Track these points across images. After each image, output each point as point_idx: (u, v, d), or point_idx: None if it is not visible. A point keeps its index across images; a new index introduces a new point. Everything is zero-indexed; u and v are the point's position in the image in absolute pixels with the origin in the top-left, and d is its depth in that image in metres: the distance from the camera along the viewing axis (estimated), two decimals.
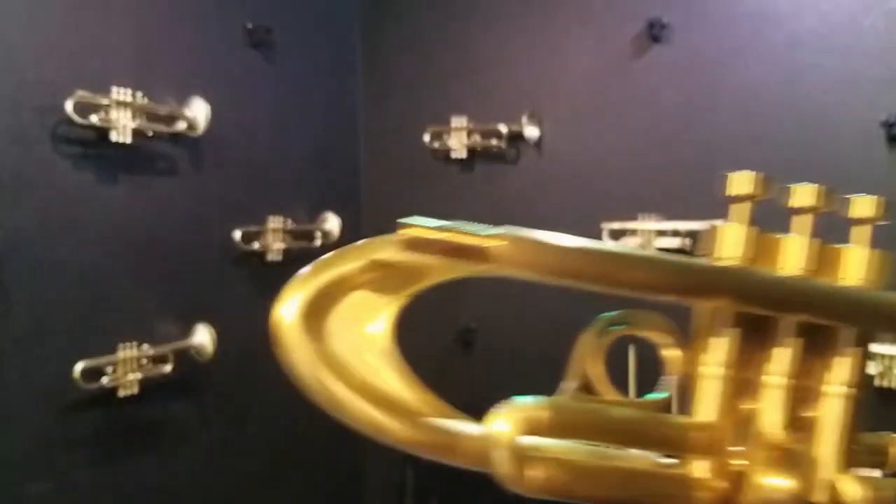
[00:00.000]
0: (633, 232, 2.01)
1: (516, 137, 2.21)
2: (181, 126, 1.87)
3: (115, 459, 1.80)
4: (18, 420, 1.60)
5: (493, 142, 2.23)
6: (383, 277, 0.43)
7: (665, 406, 0.47)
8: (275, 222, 2.14)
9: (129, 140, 1.75)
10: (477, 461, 0.40)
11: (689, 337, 0.46)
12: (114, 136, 1.73)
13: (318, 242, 2.24)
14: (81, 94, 1.65)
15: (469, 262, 0.39)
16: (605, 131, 2.13)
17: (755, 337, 0.45)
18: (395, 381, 0.43)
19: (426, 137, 2.31)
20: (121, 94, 1.73)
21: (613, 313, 0.47)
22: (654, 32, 2.02)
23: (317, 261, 0.42)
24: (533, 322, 2.13)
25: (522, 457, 0.39)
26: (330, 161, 2.40)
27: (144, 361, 1.78)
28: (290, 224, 2.18)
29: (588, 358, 0.46)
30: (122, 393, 1.74)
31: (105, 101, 1.70)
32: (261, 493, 2.16)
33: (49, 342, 1.64)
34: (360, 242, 0.43)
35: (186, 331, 1.90)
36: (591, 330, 0.47)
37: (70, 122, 1.64)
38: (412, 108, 2.40)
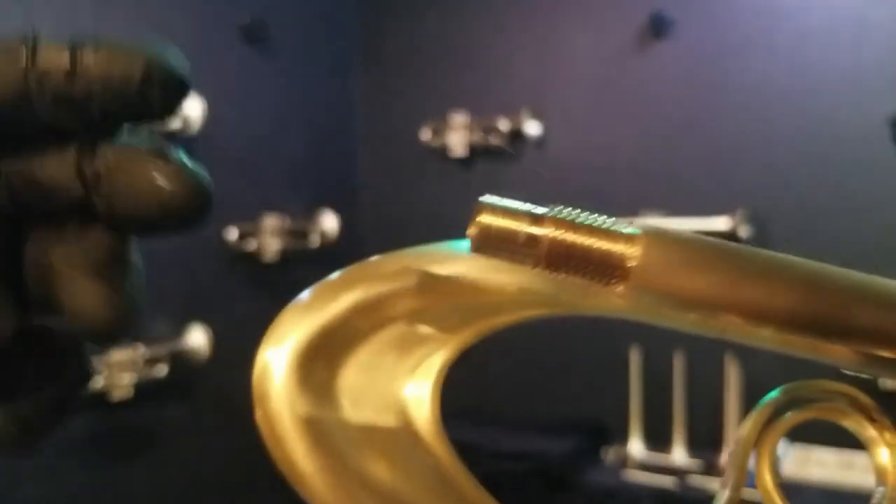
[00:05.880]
0: None
1: (517, 134, 2.18)
2: (175, 125, 1.83)
3: (109, 463, 1.77)
4: None
5: (493, 140, 2.19)
6: (435, 307, 0.27)
7: None
8: (271, 220, 2.10)
9: None
10: None
11: None
12: None
13: (315, 242, 2.20)
14: None
15: (601, 281, 0.23)
16: (607, 128, 2.10)
17: None
18: (431, 486, 0.26)
19: (425, 134, 2.27)
20: None
21: (781, 392, 0.28)
22: (657, 27, 1.99)
23: (331, 278, 0.27)
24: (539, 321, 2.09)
25: None
26: (327, 158, 2.37)
27: (139, 363, 1.75)
28: (287, 222, 2.14)
29: (757, 465, 0.28)
30: (115, 396, 1.70)
31: None
32: (258, 498, 2.13)
33: None
34: (406, 250, 0.27)
35: (180, 332, 1.87)
36: (757, 418, 0.28)
37: None
38: (410, 103, 2.36)
